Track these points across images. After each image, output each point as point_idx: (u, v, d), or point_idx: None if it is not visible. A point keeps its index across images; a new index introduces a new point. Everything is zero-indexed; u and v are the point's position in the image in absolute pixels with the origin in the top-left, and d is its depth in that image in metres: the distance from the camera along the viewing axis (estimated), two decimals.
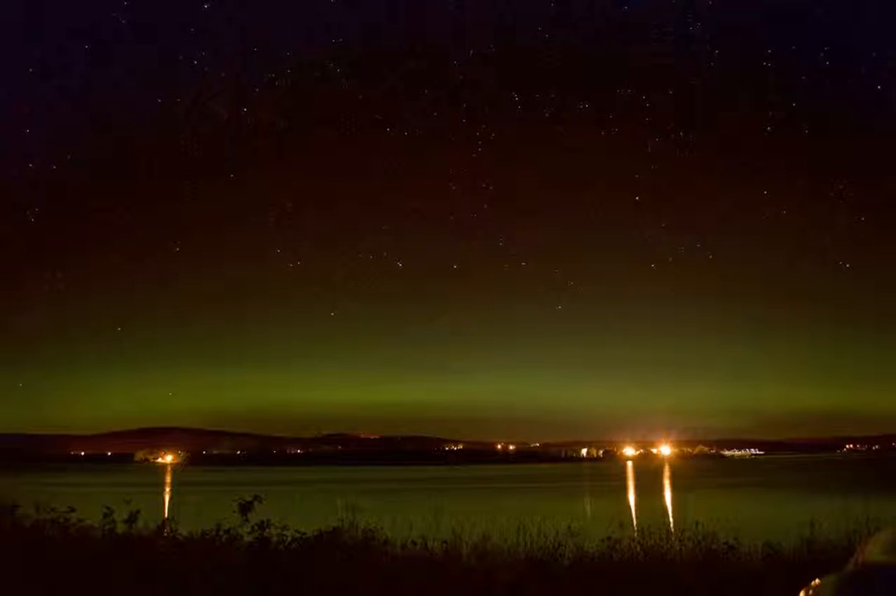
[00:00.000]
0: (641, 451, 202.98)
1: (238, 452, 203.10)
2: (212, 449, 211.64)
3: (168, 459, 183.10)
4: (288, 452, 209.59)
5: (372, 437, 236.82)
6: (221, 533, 7.33)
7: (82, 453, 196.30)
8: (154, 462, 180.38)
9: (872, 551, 1.88)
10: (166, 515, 8.65)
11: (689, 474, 69.07)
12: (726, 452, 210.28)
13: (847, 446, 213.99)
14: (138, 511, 7.87)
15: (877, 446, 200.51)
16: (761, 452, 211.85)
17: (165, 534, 7.64)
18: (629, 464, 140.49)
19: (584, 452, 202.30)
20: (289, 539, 7.27)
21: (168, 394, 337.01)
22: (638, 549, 7.88)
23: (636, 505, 31.48)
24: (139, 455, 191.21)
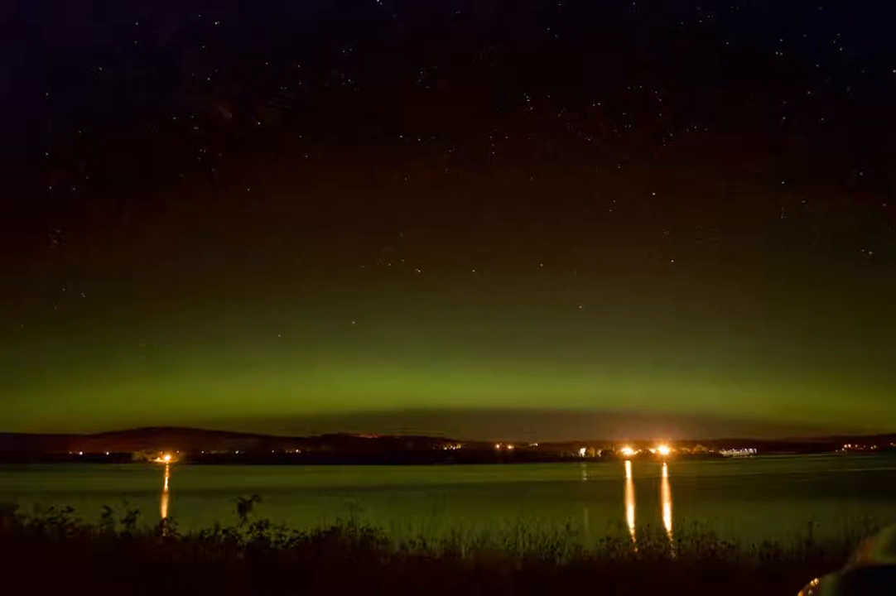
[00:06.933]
0: (640, 451, 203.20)
1: (237, 452, 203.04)
2: (210, 449, 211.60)
3: (166, 458, 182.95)
4: (286, 451, 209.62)
5: (371, 437, 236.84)
6: (220, 533, 7.32)
7: (80, 453, 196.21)
8: (152, 462, 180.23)
9: (872, 551, 1.87)
10: (164, 515, 8.63)
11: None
12: (724, 452, 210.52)
13: (845, 446, 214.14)
14: (137, 511, 7.86)
15: (874, 446, 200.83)
16: (758, 452, 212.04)
17: (164, 534, 7.62)
18: (627, 464, 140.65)
19: (582, 451, 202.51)
20: (287, 539, 7.27)
21: (169, 394, 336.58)
22: (636, 549, 7.87)
23: (634, 501, 31.52)
24: (137, 455, 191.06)
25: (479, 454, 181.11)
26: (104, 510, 7.81)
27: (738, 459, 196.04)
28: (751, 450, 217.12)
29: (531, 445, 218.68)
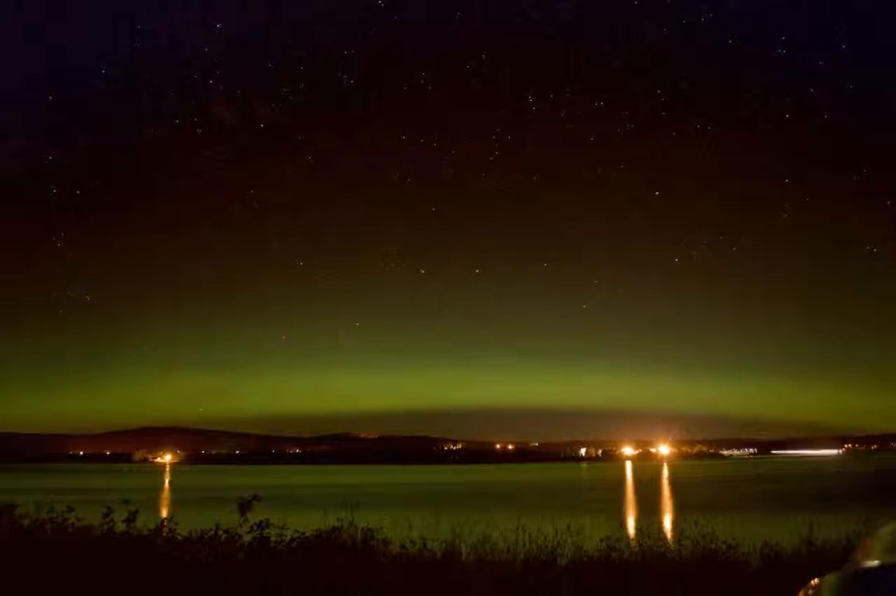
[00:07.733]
0: (640, 450, 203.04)
1: (237, 452, 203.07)
2: (210, 449, 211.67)
3: (167, 458, 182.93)
4: (286, 451, 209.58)
5: (371, 436, 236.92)
6: (221, 533, 7.31)
7: (80, 453, 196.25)
8: (153, 462, 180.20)
9: (872, 550, 1.87)
10: (165, 514, 8.63)
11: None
12: (725, 452, 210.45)
13: (846, 446, 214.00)
14: (137, 511, 7.85)
15: (875, 446, 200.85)
16: (758, 452, 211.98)
17: (164, 533, 7.61)
18: (628, 464, 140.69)
19: (582, 451, 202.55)
20: (288, 539, 7.26)
21: (169, 394, 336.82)
22: (637, 548, 7.86)
23: (635, 503, 31.49)
24: (138, 454, 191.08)
25: (479, 454, 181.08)
26: (104, 510, 7.80)
27: (739, 458, 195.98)
28: (751, 450, 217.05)
29: (531, 444, 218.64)
